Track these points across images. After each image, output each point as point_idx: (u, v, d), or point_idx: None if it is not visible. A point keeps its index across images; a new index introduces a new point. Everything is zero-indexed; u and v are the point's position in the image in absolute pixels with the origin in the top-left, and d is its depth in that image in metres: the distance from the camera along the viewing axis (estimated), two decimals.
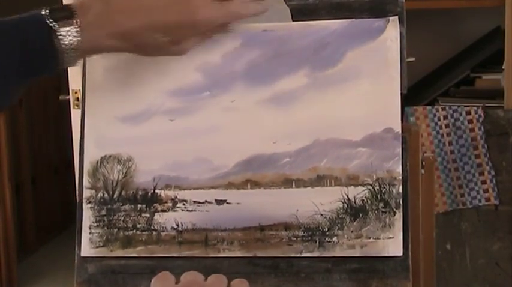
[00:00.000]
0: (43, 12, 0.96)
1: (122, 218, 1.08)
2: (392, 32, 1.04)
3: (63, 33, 0.95)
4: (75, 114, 2.57)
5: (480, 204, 2.38)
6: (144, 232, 1.07)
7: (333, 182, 1.04)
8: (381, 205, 1.02)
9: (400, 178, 1.02)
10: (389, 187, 1.02)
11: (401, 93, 1.04)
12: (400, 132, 1.03)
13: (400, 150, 1.02)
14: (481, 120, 2.36)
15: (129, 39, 0.98)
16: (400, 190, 1.02)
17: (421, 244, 1.08)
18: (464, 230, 2.40)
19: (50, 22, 0.95)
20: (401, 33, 1.05)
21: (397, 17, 1.04)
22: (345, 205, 1.03)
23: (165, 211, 1.07)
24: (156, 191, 1.07)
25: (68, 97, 2.62)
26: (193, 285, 0.73)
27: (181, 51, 1.02)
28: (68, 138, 2.55)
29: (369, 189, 1.03)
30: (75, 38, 0.95)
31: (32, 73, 0.97)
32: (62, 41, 0.95)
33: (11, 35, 0.95)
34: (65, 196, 4.39)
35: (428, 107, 2.41)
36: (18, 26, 0.96)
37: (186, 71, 1.08)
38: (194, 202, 1.06)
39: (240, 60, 1.07)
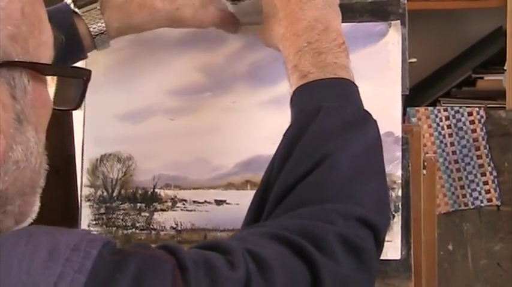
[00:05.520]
0: (68, 1, 0.96)
1: (121, 217, 1.08)
2: (394, 36, 1.04)
3: (87, 19, 0.95)
4: (76, 114, 2.55)
5: (482, 205, 2.38)
6: (143, 231, 1.07)
7: None
8: None
9: (400, 181, 1.02)
10: (389, 190, 1.02)
11: (403, 94, 1.04)
12: (400, 136, 1.02)
13: (399, 154, 1.02)
14: (482, 121, 2.36)
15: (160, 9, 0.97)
16: (399, 193, 1.02)
17: (423, 244, 1.08)
18: (466, 231, 2.40)
19: (75, 9, 0.95)
20: (403, 35, 1.04)
21: (399, 21, 1.04)
22: None
23: (164, 210, 1.07)
24: (156, 190, 1.07)
25: None
26: None
27: (208, 17, 1.00)
28: (69, 138, 2.54)
29: None
30: (100, 23, 0.95)
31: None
32: (89, 26, 0.95)
33: None
34: (67, 197, 4.38)
35: (430, 108, 2.40)
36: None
37: (187, 70, 1.07)
38: (194, 201, 1.07)
39: (242, 61, 1.07)
